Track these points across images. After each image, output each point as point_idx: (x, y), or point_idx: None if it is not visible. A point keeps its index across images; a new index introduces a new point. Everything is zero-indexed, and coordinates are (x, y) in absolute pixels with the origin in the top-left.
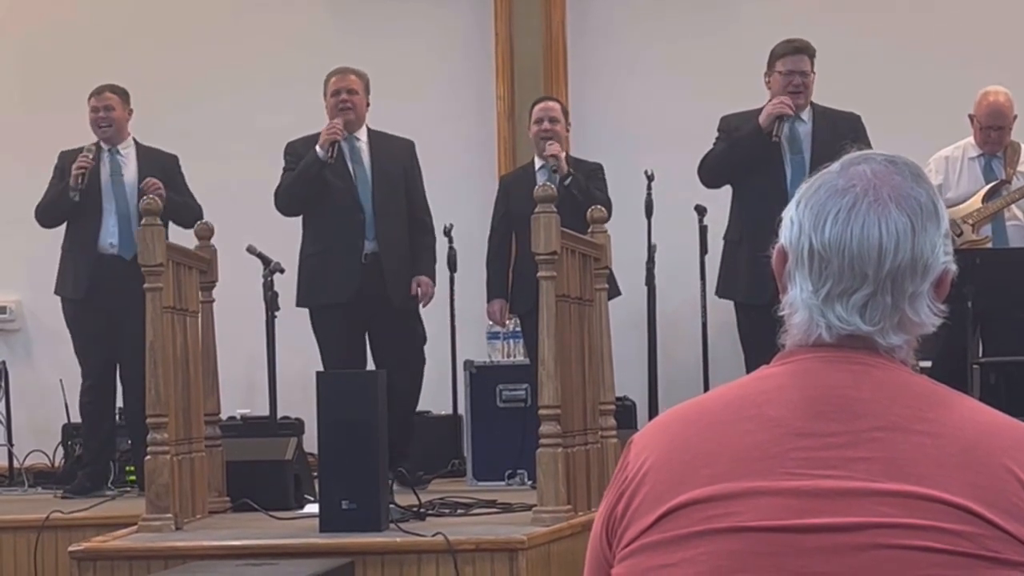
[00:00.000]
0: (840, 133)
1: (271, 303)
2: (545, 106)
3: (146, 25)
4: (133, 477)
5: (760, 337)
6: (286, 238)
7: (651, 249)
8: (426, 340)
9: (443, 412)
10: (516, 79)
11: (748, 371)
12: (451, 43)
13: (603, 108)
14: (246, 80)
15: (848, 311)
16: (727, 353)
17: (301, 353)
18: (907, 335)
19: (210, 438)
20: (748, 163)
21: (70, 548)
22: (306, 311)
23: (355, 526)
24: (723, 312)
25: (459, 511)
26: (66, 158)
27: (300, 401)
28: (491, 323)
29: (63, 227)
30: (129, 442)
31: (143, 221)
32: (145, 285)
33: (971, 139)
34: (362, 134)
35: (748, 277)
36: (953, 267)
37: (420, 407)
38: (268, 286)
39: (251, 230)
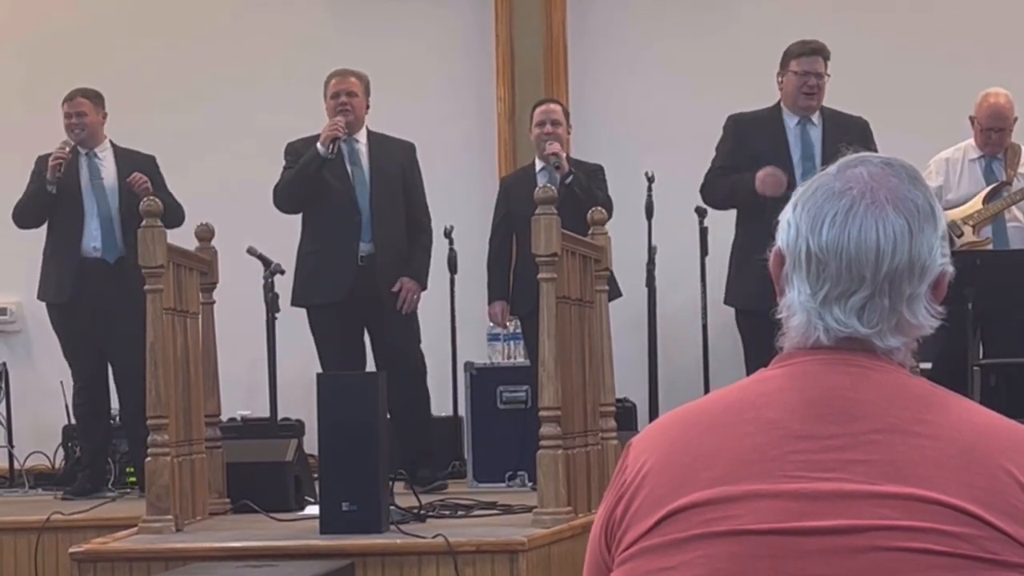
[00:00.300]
0: (849, 137)
1: (271, 304)
2: (547, 109)
3: (146, 25)
4: (134, 479)
5: (761, 339)
6: (286, 239)
7: (651, 251)
8: (420, 340)
9: (444, 413)
10: (516, 80)
11: (748, 372)
12: (451, 44)
13: (603, 109)
14: (246, 81)
15: (846, 313)
16: (727, 355)
17: (301, 354)
18: (905, 337)
19: (210, 439)
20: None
21: (70, 550)
22: (306, 312)
23: (355, 528)
24: (723, 314)
25: (459, 513)
26: (42, 162)
27: (300, 402)
28: (492, 325)
29: (45, 233)
30: (126, 444)
31: (143, 223)
32: (146, 287)
33: (971, 141)
34: (361, 136)
35: (759, 284)
36: (950, 269)
37: None
38: (268, 287)
39: (251, 231)
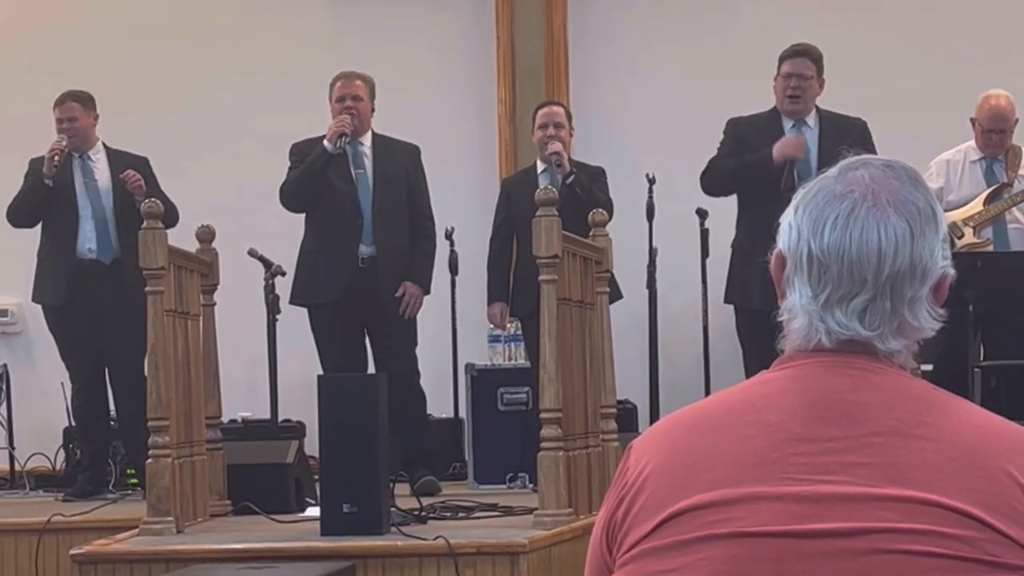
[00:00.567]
0: (847, 139)
1: (272, 306)
2: (549, 111)
3: (146, 26)
4: (135, 480)
5: (761, 340)
6: (287, 240)
7: (652, 252)
8: (416, 343)
9: (444, 415)
10: (517, 82)
11: (747, 373)
12: (452, 45)
13: (604, 111)
14: (247, 81)
15: (848, 316)
16: (728, 357)
17: (302, 356)
18: (906, 340)
19: (211, 441)
20: (753, 184)
21: (71, 551)
22: (307, 314)
23: (356, 529)
24: (724, 316)
25: (460, 514)
26: (36, 163)
27: (301, 404)
28: (492, 326)
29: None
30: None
31: (144, 224)
32: (147, 288)
33: (972, 142)
34: (366, 139)
35: (762, 285)
36: (952, 272)
37: None
38: (269, 289)
39: (252, 232)
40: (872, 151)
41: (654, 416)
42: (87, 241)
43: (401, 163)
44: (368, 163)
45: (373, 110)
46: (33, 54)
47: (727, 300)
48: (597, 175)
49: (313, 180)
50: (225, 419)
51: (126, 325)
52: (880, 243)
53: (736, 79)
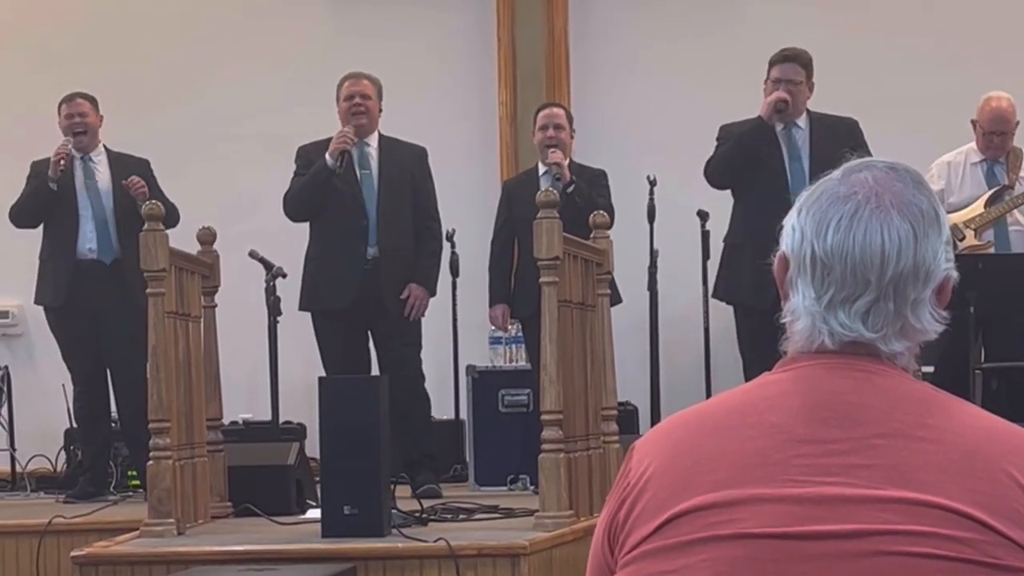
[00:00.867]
0: (838, 138)
1: (273, 308)
2: (550, 113)
3: (147, 26)
4: (136, 482)
5: (760, 342)
6: (288, 242)
7: (653, 254)
8: (421, 346)
9: (445, 417)
10: (518, 83)
11: (746, 377)
12: (453, 47)
13: (605, 112)
14: (247, 81)
15: (851, 318)
16: (729, 358)
17: (303, 358)
18: (909, 342)
19: (212, 443)
20: (753, 160)
21: (72, 553)
22: (308, 315)
23: (357, 531)
24: (725, 317)
25: (461, 516)
26: (38, 166)
27: (302, 406)
28: (493, 328)
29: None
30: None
31: (145, 226)
32: (148, 290)
33: (973, 144)
34: (373, 140)
35: (751, 280)
36: (955, 274)
37: None
38: (270, 291)
39: (253, 234)
40: (865, 149)
41: (655, 418)
42: (87, 241)
43: (407, 165)
44: (374, 164)
45: (381, 111)
46: (34, 55)
47: (714, 295)
48: (598, 178)
49: (315, 193)
50: (226, 421)
51: (126, 326)
52: (883, 245)
53: (737, 80)
